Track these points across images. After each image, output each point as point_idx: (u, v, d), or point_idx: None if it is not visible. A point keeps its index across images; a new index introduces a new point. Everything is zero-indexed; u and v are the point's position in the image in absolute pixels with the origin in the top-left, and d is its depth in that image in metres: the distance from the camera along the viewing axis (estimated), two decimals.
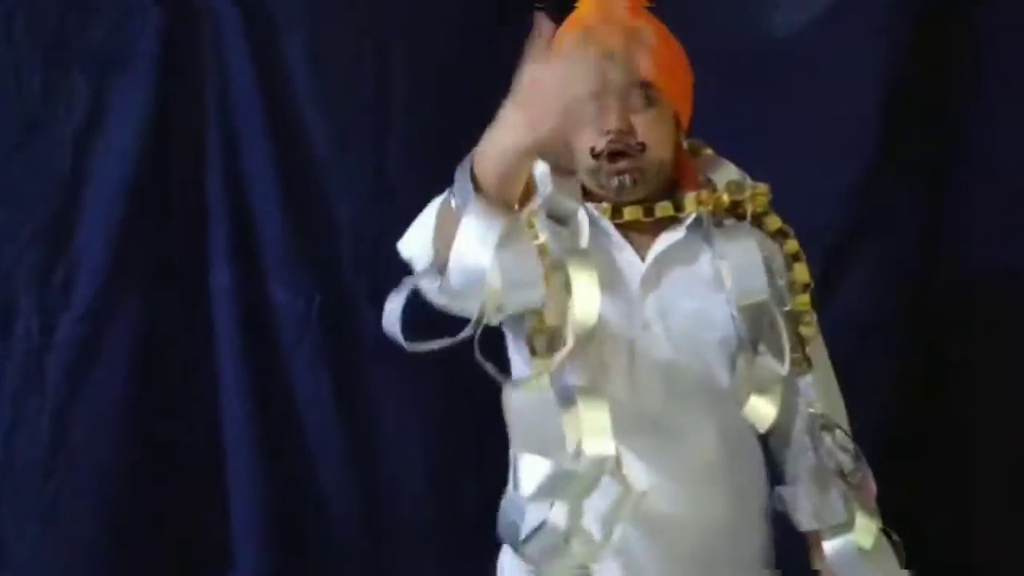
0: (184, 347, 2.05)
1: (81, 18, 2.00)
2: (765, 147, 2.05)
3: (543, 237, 1.50)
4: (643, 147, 1.55)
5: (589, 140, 1.55)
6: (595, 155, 1.55)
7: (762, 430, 1.54)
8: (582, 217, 1.55)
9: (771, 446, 1.61)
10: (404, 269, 2.08)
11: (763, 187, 1.60)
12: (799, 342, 1.56)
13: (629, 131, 1.54)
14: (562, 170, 1.60)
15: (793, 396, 1.57)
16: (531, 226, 1.54)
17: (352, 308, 2.09)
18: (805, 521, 1.55)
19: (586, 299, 1.43)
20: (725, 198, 1.58)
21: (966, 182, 2.05)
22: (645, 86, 1.55)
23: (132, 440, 2.00)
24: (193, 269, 2.07)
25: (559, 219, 1.55)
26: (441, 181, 2.04)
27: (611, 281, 1.55)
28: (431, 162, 2.08)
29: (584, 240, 1.52)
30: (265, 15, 2.06)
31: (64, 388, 1.96)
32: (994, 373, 2.01)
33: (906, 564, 1.51)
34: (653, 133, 1.55)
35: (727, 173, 1.61)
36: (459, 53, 2.11)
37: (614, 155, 1.54)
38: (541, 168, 1.55)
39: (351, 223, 2.10)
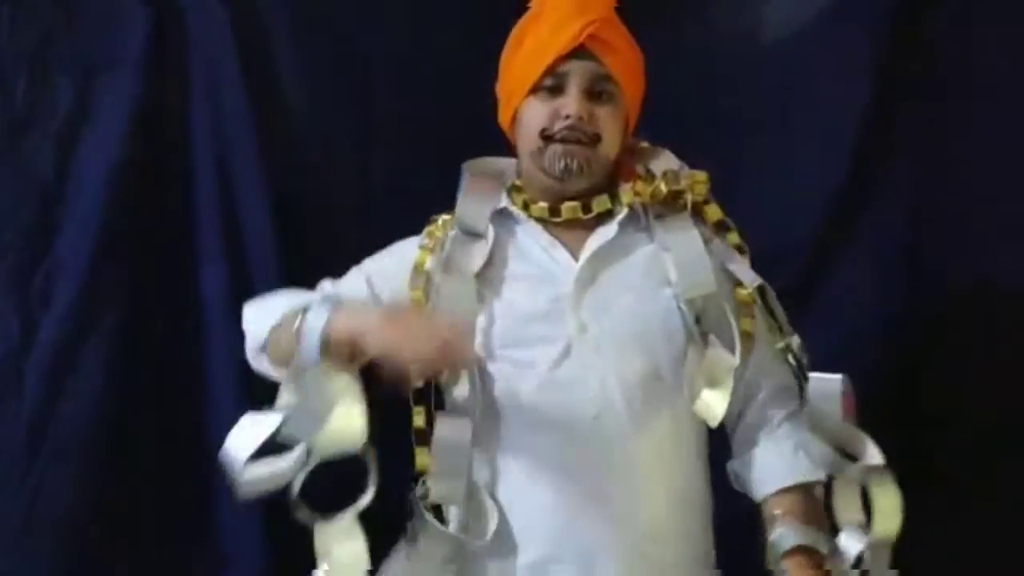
0: (167, 349, 2.04)
1: (66, 19, 1.99)
2: (748, 154, 2.06)
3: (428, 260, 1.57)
4: (598, 138, 1.55)
5: (540, 121, 1.55)
6: (544, 136, 1.55)
7: (713, 424, 1.54)
8: (490, 234, 1.58)
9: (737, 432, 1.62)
10: None
11: (701, 175, 1.59)
12: (742, 335, 1.55)
13: (587, 120, 1.54)
14: (484, 174, 1.64)
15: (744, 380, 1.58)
16: (432, 237, 1.60)
17: None
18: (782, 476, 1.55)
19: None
20: (662, 187, 1.57)
21: (949, 193, 2.05)
22: (608, 80, 1.55)
23: (113, 442, 1.98)
24: (179, 272, 2.05)
25: (470, 232, 1.58)
26: (424, 185, 2.05)
27: (542, 283, 1.56)
28: (415, 166, 2.12)
29: (478, 262, 1.55)
30: (254, 17, 2.06)
31: (44, 390, 1.94)
32: (973, 385, 2.01)
33: None
34: (608, 127, 1.56)
35: (665, 162, 1.61)
36: (445, 57, 2.11)
37: (567, 139, 1.54)
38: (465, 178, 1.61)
39: (337, 225, 2.10)
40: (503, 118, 1.63)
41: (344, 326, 1.42)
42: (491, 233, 1.59)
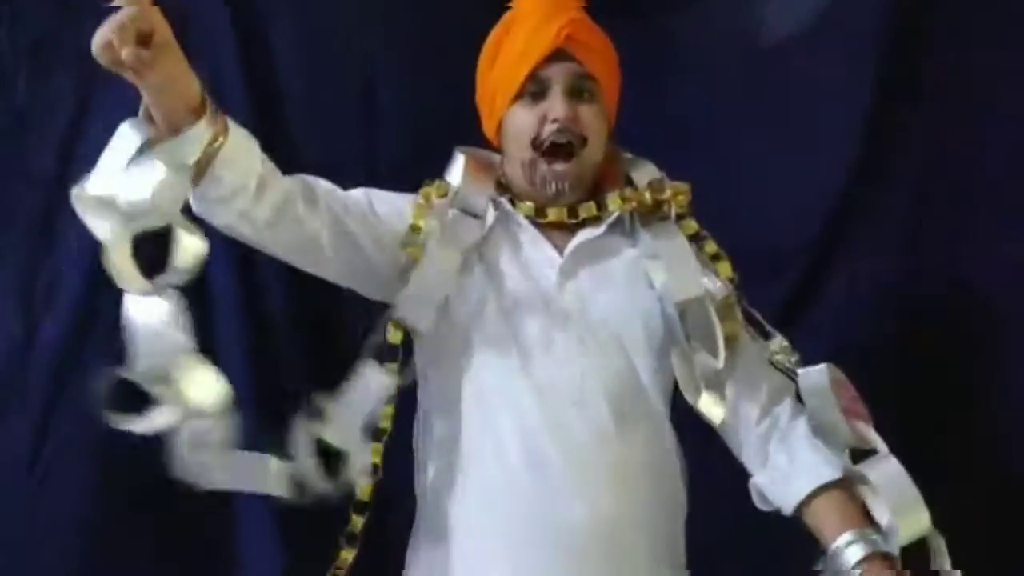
0: None
1: (67, 18, 1.98)
2: (749, 154, 2.07)
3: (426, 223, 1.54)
4: (585, 140, 1.56)
5: (529, 128, 1.56)
6: (536, 145, 1.56)
7: (716, 423, 1.54)
8: (489, 216, 1.58)
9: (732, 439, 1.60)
10: None
11: (684, 187, 1.61)
12: (726, 338, 1.54)
13: (574, 121, 1.55)
14: (480, 161, 1.63)
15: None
16: (427, 200, 1.58)
17: (340, 305, 2.08)
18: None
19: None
20: (647, 197, 1.58)
21: (949, 192, 2.06)
22: (588, 79, 1.57)
23: (116, 442, 1.98)
24: None
25: (469, 211, 1.58)
26: (427, 179, 2.05)
27: (526, 275, 1.56)
28: (418, 164, 2.11)
29: (472, 239, 1.54)
30: (254, 15, 2.06)
31: (47, 389, 1.94)
32: (974, 383, 2.02)
33: None
34: (593, 126, 1.57)
35: (647, 172, 1.62)
36: (446, 53, 2.10)
37: (553, 153, 1.55)
38: (459, 161, 1.61)
39: None
40: (488, 128, 1.64)
41: None
42: (491, 215, 1.60)
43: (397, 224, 1.57)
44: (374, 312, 1.54)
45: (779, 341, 1.57)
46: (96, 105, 2.00)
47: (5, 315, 1.94)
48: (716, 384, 1.53)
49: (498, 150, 1.65)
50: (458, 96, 2.10)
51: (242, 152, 1.39)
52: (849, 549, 1.45)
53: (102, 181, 1.32)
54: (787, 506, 1.53)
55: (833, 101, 2.06)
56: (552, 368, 1.52)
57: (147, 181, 1.29)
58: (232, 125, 1.37)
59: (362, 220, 1.55)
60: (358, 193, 1.61)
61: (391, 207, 1.60)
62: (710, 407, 1.52)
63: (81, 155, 1.99)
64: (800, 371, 1.50)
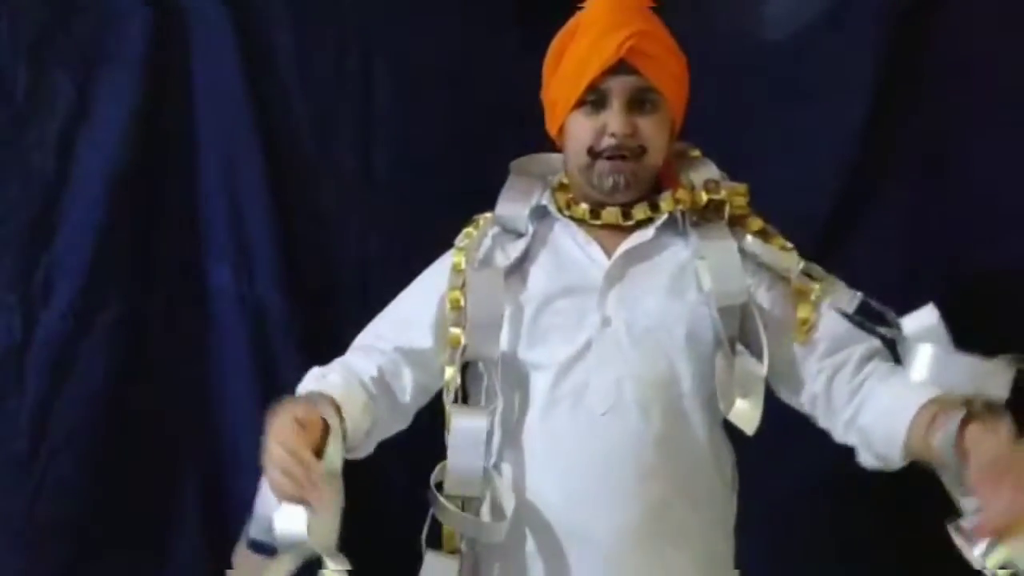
0: (169, 346, 2.03)
1: (67, 17, 1.98)
2: (746, 157, 2.06)
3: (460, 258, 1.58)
4: (644, 150, 1.56)
5: (586, 138, 1.56)
6: (593, 155, 1.55)
7: (750, 432, 1.54)
8: (529, 230, 1.60)
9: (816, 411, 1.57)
10: (389, 267, 2.09)
11: (742, 187, 1.61)
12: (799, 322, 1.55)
13: (632, 135, 1.54)
14: (529, 172, 1.66)
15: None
16: (468, 237, 1.62)
17: (337, 305, 2.09)
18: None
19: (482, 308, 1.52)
20: (703, 196, 1.58)
21: (949, 191, 2.06)
22: (650, 91, 1.56)
23: (114, 439, 1.98)
24: (182, 268, 2.05)
25: (510, 230, 1.62)
26: (426, 182, 2.07)
27: (572, 278, 1.57)
28: (417, 162, 2.12)
29: (512, 256, 1.57)
30: (254, 14, 2.06)
31: (45, 386, 1.93)
32: None
33: None
34: (653, 138, 1.57)
35: (706, 172, 1.62)
36: (446, 53, 2.12)
37: (613, 156, 1.55)
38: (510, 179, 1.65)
39: (337, 221, 2.11)
40: (551, 128, 1.64)
41: None
42: (530, 230, 1.61)
43: (437, 306, 1.60)
44: None
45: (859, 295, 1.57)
46: (95, 103, 2.00)
47: (3, 311, 1.93)
48: (754, 390, 1.53)
49: (559, 148, 1.66)
50: (458, 94, 2.13)
51: (357, 418, 1.49)
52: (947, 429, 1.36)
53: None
54: (893, 451, 1.46)
55: (833, 101, 2.06)
56: (587, 374, 1.52)
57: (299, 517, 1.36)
58: (341, 400, 1.48)
59: (424, 363, 1.60)
60: (417, 302, 1.64)
61: (424, 304, 1.62)
62: (743, 416, 1.52)
63: (80, 152, 2.00)
64: (904, 319, 1.49)
